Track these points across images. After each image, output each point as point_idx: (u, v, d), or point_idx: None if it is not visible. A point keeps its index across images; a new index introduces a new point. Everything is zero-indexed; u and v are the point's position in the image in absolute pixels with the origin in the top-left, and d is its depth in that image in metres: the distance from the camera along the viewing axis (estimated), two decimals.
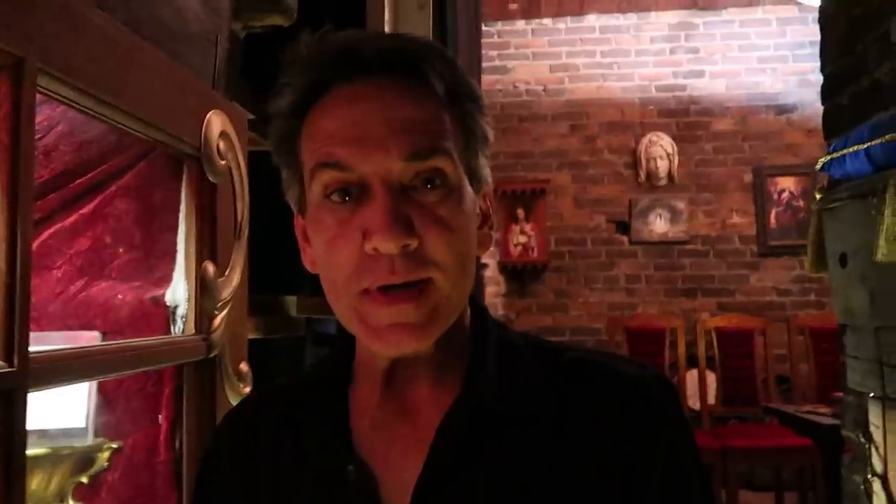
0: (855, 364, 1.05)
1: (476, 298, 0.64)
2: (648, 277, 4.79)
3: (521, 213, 4.80)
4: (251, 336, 1.37)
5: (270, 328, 1.53)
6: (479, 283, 4.36)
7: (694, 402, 4.21)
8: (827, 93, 1.82)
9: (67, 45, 0.70)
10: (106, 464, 1.07)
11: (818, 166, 1.07)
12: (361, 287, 0.54)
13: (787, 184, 4.65)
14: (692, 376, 4.25)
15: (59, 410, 1.00)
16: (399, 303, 0.53)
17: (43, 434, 0.98)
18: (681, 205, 4.78)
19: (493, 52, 4.97)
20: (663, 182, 4.79)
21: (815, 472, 3.35)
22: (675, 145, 4.78)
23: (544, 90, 4.96)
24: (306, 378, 0.66)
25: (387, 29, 1.68)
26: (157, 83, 0.90)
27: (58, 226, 1.08)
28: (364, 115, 0.54)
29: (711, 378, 4.19)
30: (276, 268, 1.67)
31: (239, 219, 1.12)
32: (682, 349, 4.17)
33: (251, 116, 1.20)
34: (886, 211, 0.78)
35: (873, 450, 0.89)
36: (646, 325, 4.30)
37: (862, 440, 0.92)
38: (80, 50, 0.72)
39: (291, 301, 1.62)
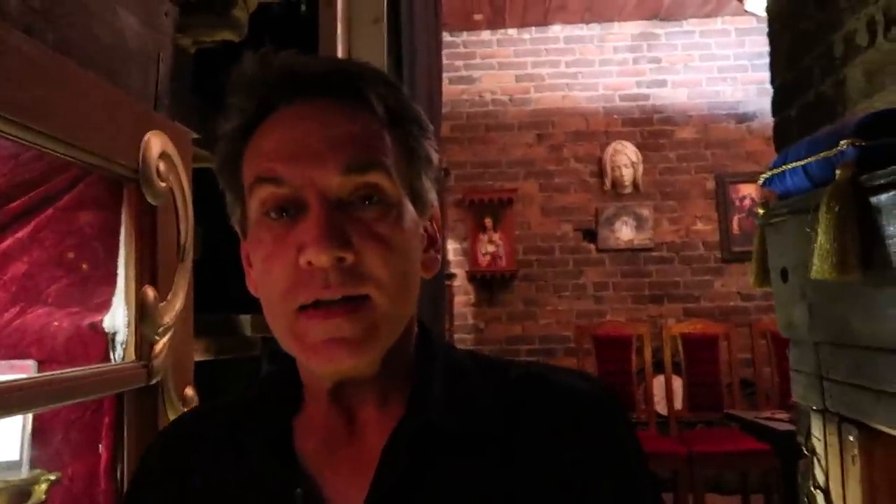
0: (798, 377, 1.06)
1: (421, 319, 0.64)
2: (616, 285, 4.83)
3: (488, 222, 4.81)
4: (202, 358, 1.35)
5: (223, 349, 1.51)
6: (448, 293, 4.35)
7: (661, 408, 4.25)
8: (777, 105, 1.86)
9: None
10: (43, 496, 1.03)
11: (760, 182, 1.09)
12: (297, 304, 0.53)
13: (749, 190, 4.74)
14: (659, 382, 4.29)
15: None
16: (334, 317, 0.52)
17: None
18: (646, 212, 4.84)
19: (459, 62, 4.99)
20: (629, 190, 4.84)
21: (779, 477, 3.40)
22: (639, 153, 4.84)
23: (510, 100, 4.99)
24: (248, 398, 0.64)
25: (340, 43, 1.67)
26: (88, 106, 0.87)
27: None
28: (303, 133, 0.54)
29: (678, 383, 4.24)
30: (230, 286, 1.64)
31: (182, 241, 1.09)
32: (648, 355, 4.21)
33: (195, 135, 1.18)
34: (819, 229, 0.79)
35: (815, 462, 0.90)
36: (613, 333, 4.32)
37: (806, 453, 0.93)
38: (3, 77, 0.70)
39: (246, 320, 1.60)
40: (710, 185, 4.83)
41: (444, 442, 0.56)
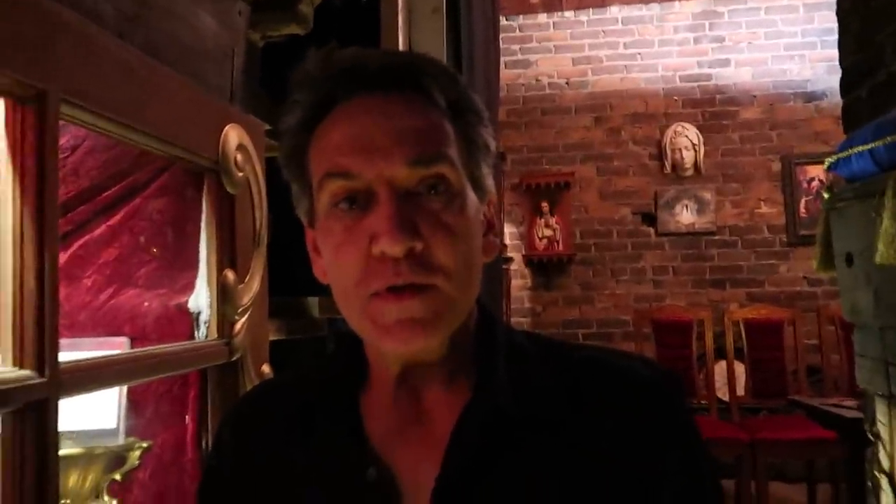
0: (863, 363, 1.05)
1: (483, 303, 0.65)
2: (676, 269, 4.76)
3: (545, 206, 4.80)
4: (274, 338, 1.42)
5: (293, 329, 1.58)
6: (505, 277, 4.38)
7: (723, 394, 4.19)
8: (846, 86, 1.80)
9: (88, 75, 0.75)
10: (137, 462, 1.12)
11: (825, 166, 1.07)
12: (371, 290, 0.55)
13: (817, 172, 4.57)
14: (720, 367, 4.21)
15: (92, 413, 1.06)
16: (405, 299, 0.54)
17: (77, 435, 1.04)
18: (707, 195, 4.73)
19: (515, 47, 4.97)
20: (689, 173, 4.74)
21: (846, 465, 3.31)
22: (700, 135, 4.73)
23: (567, 83, 4.95)
24: (317, 376, 0.66)
25: (401, 33, 1.71)
26: (174, 103, 0.94)
27: (86, 237, 1.14)
28: (369, 126, 0.56)
29: (740, 369, 4.16)
30: (298, 270, 1.72)
31: (257, 227, 1.16)
32: (709, 341, 4.14)
33: (268, 127, 1.24)
34: (885, 214, 0.78)
35: (880, 447, 0.89)
36: (673, 317, 4.27)
37: (871, 438, 0.93)
38: (99, 78, 0.77)
39: (313, 302, 1.67)
40: (776, 166, 4.68)
41: (511, 425, 0.57)
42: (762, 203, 4.70)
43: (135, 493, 1.13)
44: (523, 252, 4.86)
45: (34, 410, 0.66)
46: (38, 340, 0.66)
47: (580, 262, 4.83)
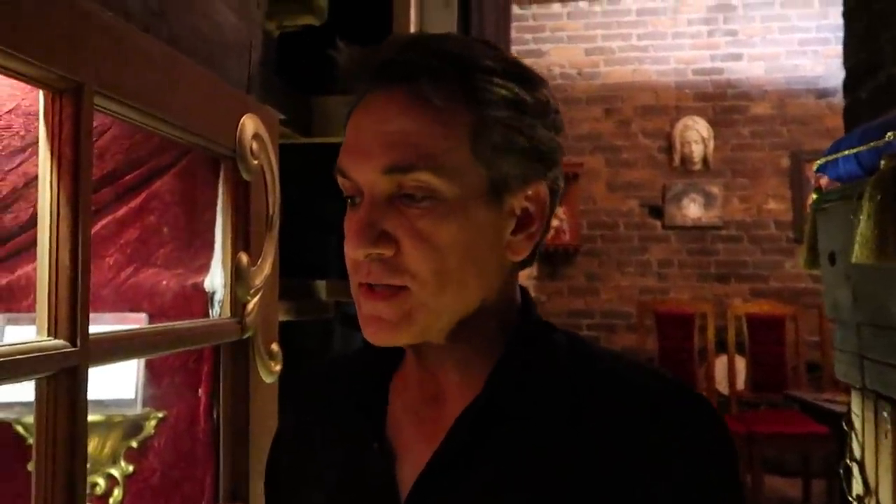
0: (841, 356, 1.10)
1: (526, 294, 0.65)
2: (681, 262, 4.80)
3: None
4: (283, 318, 1.49)
5: (302, 311, 1.65)
6: None
7: (723, 388, 4.24)
8: (848, 86, 1.84)
9: (119, 68, 0.81)
10: (152, 431, 1.19)
11: (814, 168, 1.12)
12: (357, 280, 0.58)
13: None
14: (721, 361, 4.27)
15: (112, 383, 1.13)
16: (374, 299, 0.57)
17: (98, 403, 1.11)
18: (715, 190, 4.76)
19: (528, 36, 4.99)
20: (698, 166, 4.77)
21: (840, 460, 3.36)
22: (710, 129, 4.75)
23: (579, 74, 4.97)
24: (358, 357, 0.69)
25: (412, 27, 1.75)
26: (195, 93, 1.00)
27: (109, 217, 1.20)
28: (364, 127, 0.57)
29: (741, 364, 4.21)
30: (307, 254, 1.78)
31: (270, 212, 1.22)
32: (711, 334, 4.19)
33: (282, 117, 1.30)
34: (861, 216, 0.83)
35: (853, 436, 0.94)
36: (676, 310, 4.32)
37: (845, 428, 0.98)
38: (129, 71, 0.83)
39: (321, 285, 1.73)
40: (785, 162, 4.70)
41: (511, 423, 0.58)
42: (770, 199, 4.72)
43: (150, 459, 1.20)
44: None
45: (67, 377, 0.72)
46: (71, 313, 0.73)
47: (586, 252, 4.88)
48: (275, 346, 1.24)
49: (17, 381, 0.71)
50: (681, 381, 0.62)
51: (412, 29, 1.74)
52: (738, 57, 4.78)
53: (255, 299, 1.16)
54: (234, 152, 1.11)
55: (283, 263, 1.31)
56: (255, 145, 1.15)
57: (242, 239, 1.15)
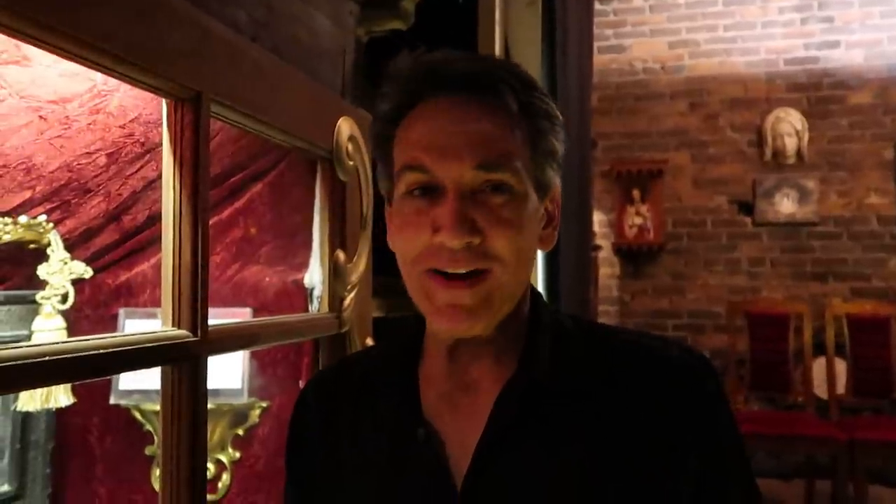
0: None
1: (534, 287, 0.72)
2: (774, 260, 4.59)
3: (636, 193, 4.74)
4: (376, 315, 1.53)
5: (393, 308, 1.69)
6: (592, 265, 4.37)
7: (821, 392, 4.03)
8: None
9: (232, 77, 0.86)
10: (257, 420, 1.26)
11: None
12: (427, 267, 0.63)
13: None
14: (819, 364, 4.06)
15: (221, 374, 1.20)
16: (456, 288, 0.62)
17: (209, 392, 1.18)
18: (811, 184, 4.53)
19: (609, 31, 4.90)
20: (791, 160, 4.55)
21: None
22: (805, 121, 4.53)
23: (662, 68, 4.84)
24: (384, 350, 0.76)
25: (497, 26, 1.77)
26: (297, 98, 1.05)
27: (216, 218, 1.28)
28: (445, 127, 0.63)
29: (841, 367, 3.99)
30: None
31: (364, 212, 1.26)
32: (808, 336, 3.99)
33: (388, 90, 1.34)
34: None
35: None
36: (769, 310, 4.14)
37: None
38: (240, 79, 0.88)
39: None
40: (889, 154, 4.42)
41: (548, 397, 0.65)
42: (871, 193, 4.45)
43: (254, 447, 1.27)
44: (612, 240, 4.83)
45: (189, 364, 0.78)
46: (192, 305, 0.78)
47: (671, 251, 4.75)
48: (369, 341, 1.28)
49: (146, 368, 0.78)
50: (681, 341, 0.74)
51: (497, 32, 1.76)
52: (834, 45, 4.53)
53: (352, 295, 1.21)
54: (331, 154, 1.16)
55: (374, 263, 1.35)
56: (350, 147, 1.20)
57: (339, 237, 1.19)
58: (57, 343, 0.63)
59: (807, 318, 4.02)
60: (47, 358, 0.59)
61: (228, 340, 0.89)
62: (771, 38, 4.63)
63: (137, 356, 0.72)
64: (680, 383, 0.66)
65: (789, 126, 4.54)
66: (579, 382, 0.66)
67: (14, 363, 0.56)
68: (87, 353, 0.64)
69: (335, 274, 1.17)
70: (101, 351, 0.65)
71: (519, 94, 0.64)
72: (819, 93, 4.56)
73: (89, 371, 0.67)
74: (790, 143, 4.54)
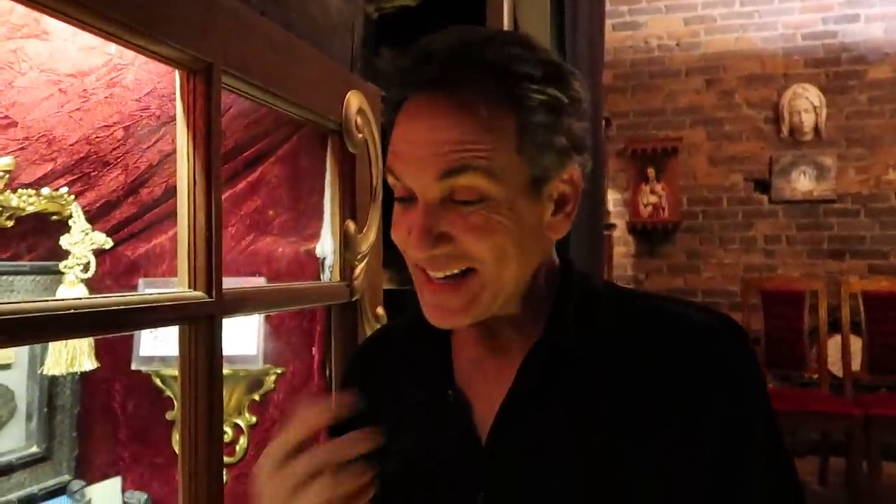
0: None
1: (566, 254, 0.73)
2: (790, 238, 4.57)
3: (651, 172, 4.72)
4: (387, 286, 1.57)
5: (403, 281, 1.72)
6: (607, 244, 4.37)
7: (836, 369, 4.02)
8: None
9: (242, 49, 0.89)
10: (272, 385, 1.31)
11: None
12: (416, 262, 0.64)
13: None
14: (835, 342, 4.04)
15: (237, 340, 1.24)
16: (439, 291, 0.63)
17: (226, 358, 1.22)
18: (828, 161, 4.48)
19: (623, 8, 4.85)
20: (809, 137, 4.50)
21: None
22: (822, 97, 4.47)
23: (677, 45, 4.79)
24: (419, 319, 0.77)
25: (506, 4, 1.78)
26: (307, 72, 1.08)
27: (230, 191, 1.32)
28: (412, 135, 0.62)
29: (857, 344, 3.97)
30: None
31: (374, 183, 1.29)
32: (823, 313, 3.97)
33: (383, 93, 1.36)
34: None
35: None
36: (784, 288, 4.12)
37: None
38: (251, 52, 0.91)
39: None
40: None
41: (572, 360, 0.66)
42: (890, 169, 4.40)
43: (270, 412, 1.31)
44: (627, 219, 4.82)
45: (205, 324, 0.82)
46: (207, 267, 0.82)
47: (686, 229, 4.73)
48: (380, 310, 1.32)
49: (164, 326, 0.82)
50: (710, 307, 0.72)
51: (506, 9, 1.77)
52: (853, 18, 4.46)
53: (362, 265, 1.24)
54: (341, 126, 1.19)
55: (385, 236, 1.38)
56: (359, 120, 1.22)
57: (349, 208, 1.23)
58: (81, 299, 0.67)
59: (822, 295, 4.00)
60: (71, 311, 0.63)
61: (242, 303, 0.93)
62: (788, 13, 4.57)
63: (155, 314, 0.76)
64: (702, 346, 0.66)
65: (807, 102, 4.49)
66: (604, 346, 0.67)
67: (42, 314, 0.60)
68: (107, 309, 0.68)
69: (346, 244, 1.20)
70: (122, 307, 0.69)
71: (497, 91, 0.60)
72: (837, 68, 4.49)
73: (110, 325, 0.70)
74: (807, 120, 4.49)
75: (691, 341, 0.66)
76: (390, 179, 0.64)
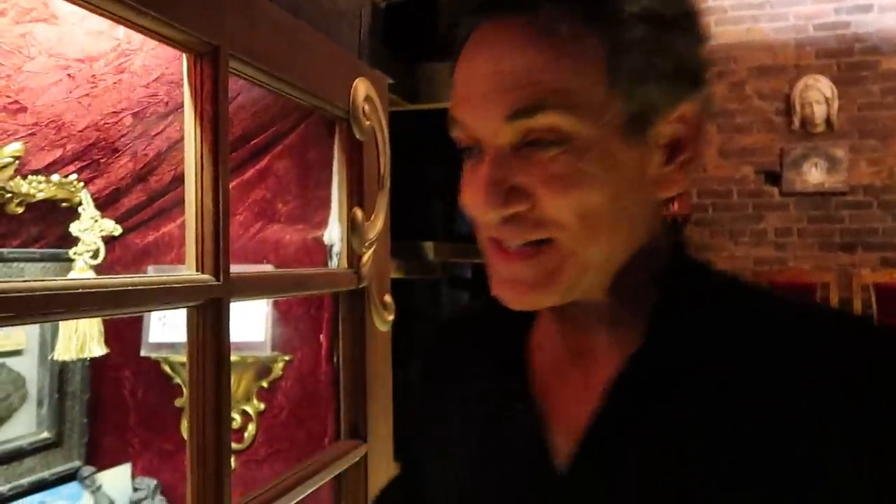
0: None
1: (680, 240, 0.57)
2: (801, 231, 4.53)
3: None
4: (395, 276, 1.57)
5: (411, 270, 1.73)
6: None
7: None
8: None
9: (249, 33, 0.89)
10: (280, 372, 1.31)
11: None
12: (489, 234, 0.53)
13: None
14: None
15: (246, 327, 1.24)
16: (512, 261, 0.51)
17: (234, 345, 1.23)
18: (840, 153, 4.44)
19: None
20: (820, 128, 4.46)
21: None
22: (834, 88, 4.43)
23: None
24: (488, 310, 0.62)
25: None
26: (314, 58, 1.08)
27: (238, 179, 1.32)
28: (475, 69, 0.50)
29: None
30: (415, 217, 1.86)
31: (381, 171, 1.29)
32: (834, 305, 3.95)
33: (391, 81, 1.36)
34: None
35: None
36: (794, 280, 4.11)
37: None
38: (258, 36, 0.91)
39: (428, 246, 1.80)
40: None
41: (675, 383, 0.51)
42: None
43: (278, 398, 1.32)
44: None
45: (212, 307, 0.82)
46: (214, 251, 0.82)
47: (696, 222, 4.70)
48: (387, 298, 1.32)
49: (171, 308, 0.82)
50: (867, 321, 0.53)
51: None
52: (866, 8, 4.41)
53: (370, 252, 1.24)
54: (348, 114, 1.19)
55: (393, 226, 1.38)
56: (366, 107, 1.22)
57: (357, 195, 1.22)
58: (91, 279, 0.67)
59: (833, 287, 3.98)
60: (80, 290, 0.63)
61: (249, 287, 0.93)
62: (800, 3, 4.52)
63: (163, 296, 0.76)
64: (852, 373, 0.48)
65: (818, 93, 4.45)
66: (715, 366, 0.51)
67: (52, 292, 0.60)
68: (117, 289, 0.68)
69: (353, 230, 1.20)
70: (129, 287, 0.69)
71: (580, 4, 0.48)
72: (850, 59, 4.45)
73: (119, 305, 0.71)
74: (819, 111, 4.45)
75: (835, 377, 0.48)
76: (454, 132, 0.53)
